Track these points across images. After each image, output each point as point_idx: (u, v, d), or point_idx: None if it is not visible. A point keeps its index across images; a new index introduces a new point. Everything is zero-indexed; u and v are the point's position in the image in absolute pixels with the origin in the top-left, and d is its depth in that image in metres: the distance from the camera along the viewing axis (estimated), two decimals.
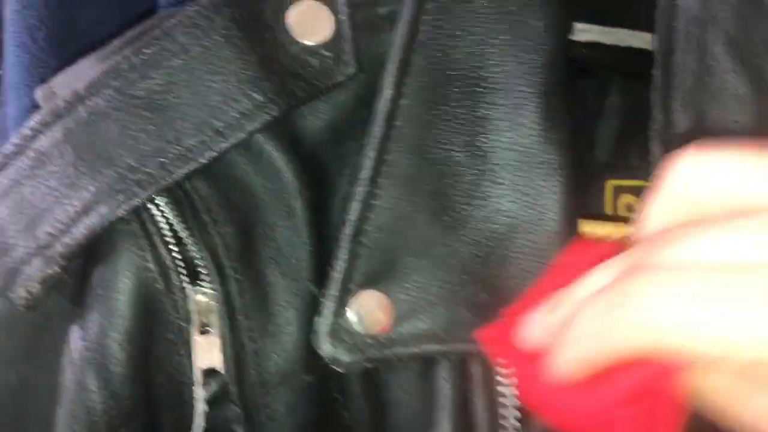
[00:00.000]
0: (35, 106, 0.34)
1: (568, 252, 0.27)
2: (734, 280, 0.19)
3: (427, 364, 0.29)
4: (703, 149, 0.22)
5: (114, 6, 0.34)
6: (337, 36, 0.29)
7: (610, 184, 0.34)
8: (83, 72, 0.29)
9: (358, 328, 0.28)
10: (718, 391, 0.23)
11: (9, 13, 0.34)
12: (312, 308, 0.29)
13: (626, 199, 0.34)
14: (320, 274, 0.30)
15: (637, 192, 0.34)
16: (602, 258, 0.24)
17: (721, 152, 0.21)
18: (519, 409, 0.29)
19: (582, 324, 0.23)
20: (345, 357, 0.28)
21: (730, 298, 0.19)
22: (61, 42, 0.33)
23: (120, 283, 0.27)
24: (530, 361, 0.25)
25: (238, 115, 0.27)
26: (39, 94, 0.30)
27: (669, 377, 0.21)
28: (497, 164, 0.29)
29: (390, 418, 0.30)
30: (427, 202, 0.29)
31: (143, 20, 0.30)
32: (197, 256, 0.28)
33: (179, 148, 0.26)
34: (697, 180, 0.22)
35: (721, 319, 0.19)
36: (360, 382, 0.30)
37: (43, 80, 0.34)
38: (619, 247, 0.24)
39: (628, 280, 0.21)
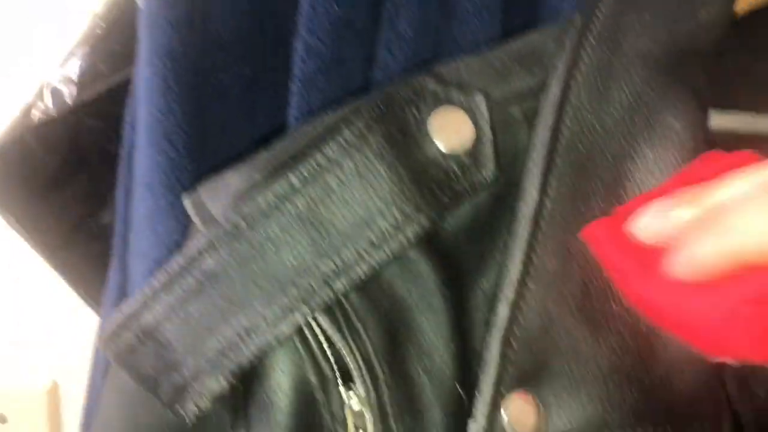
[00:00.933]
0: (172, 207, 0.36)
1: (694, 163, 0.27)
2: None
3: None
4: None
5: (243, 111, 0.35)
6: (477, 140, 0.29)
7: None
8: (231, 185, 0.30)
9: (512, 427, 0.29)
10: None
11: (145, 118, 0.36)
12: (457, 408, 0.30)
13: None
14: (464, 374, 0.30)
15: None
16: (731, 168, 0.24)
17: None
18: None
19: (733, 220, 0.23)
20: None
21: None
22: (198, 148, 0.34)
23: (283, 397, 0.28)
24: (641, 255, 0.25)
25: (391, 228, 0.28)
26: (187, 202, 0.31)
27: None
28: None
29: None
30: (574, 303, 0.29)
31: (272, 127, 0.31)
32: (351, 362, 0.28)
33: (339, 262, 0.27)
34: None
35: None
36: None
37: (179, 182, 0.35)
38: (748, 158, 0.24)
39: None
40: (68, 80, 0.46)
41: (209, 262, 0.27)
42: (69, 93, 0.46)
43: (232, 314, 0.27)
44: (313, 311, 0.27)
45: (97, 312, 0.53)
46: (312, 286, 0.27)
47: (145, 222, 0.38)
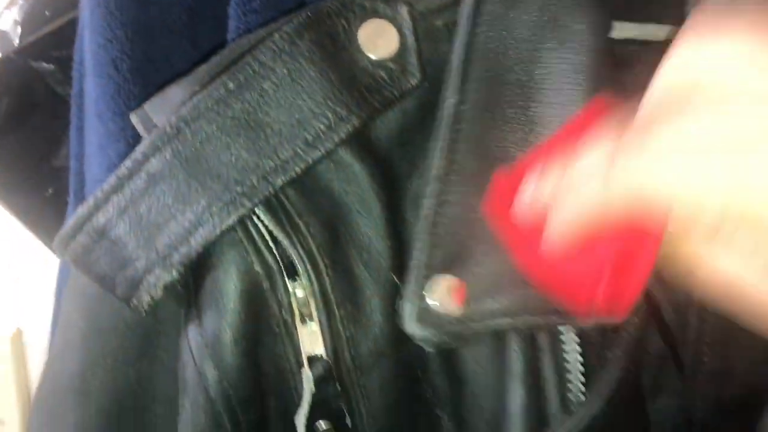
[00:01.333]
0: (122, 131, 0.38)
1: (579, 114, 0.30)
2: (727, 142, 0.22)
3: (498, 338, 0.32)
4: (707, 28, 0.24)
5: (187, 39, 0.37)
6: (402, 49, 0.32)
7: None
8: (174, 98, 0.32)
9: (437, 309, 0.31)
10: (689, 256, 0.27)
11: (90, 47, 0.37)
12: (394, 297, 0.33)
13: None
14: (398, 266, 0.33)
15: None
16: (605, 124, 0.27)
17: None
18: (583, 373, 0.32)
19: (581, 186, 0.26)
20: (428, 335, 0.31)
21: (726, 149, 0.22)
22: (142, 71, 0.36)
23: (231, 286, 0.30)
24: (526, 229, 0.29)
25: (324, 129, 0.30)
26: (134, 118, 0.33)
27: (650, 242, 0.25)
28: None
29: (466, 390, 0.33)
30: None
31: (214, 51, 0.33)
32: (294, 256, 0.31)
33: (277, 160, 0.29)
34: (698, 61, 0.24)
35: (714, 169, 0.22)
36: (439, 360, 0.33)
37: (127, 107, 0.37)
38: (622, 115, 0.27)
39: (624, 142, 0.24)
40: (14, 22, 0.47)
41: (154, 163, 0.29)
42: (15, 34, 0.47)
43: (179, 211, 0.29)
44: (255, 205, 0.29)
45: (56, 253, 0.55)
46: (253, 183, 0.29)
47: (97, 150, 0.40)
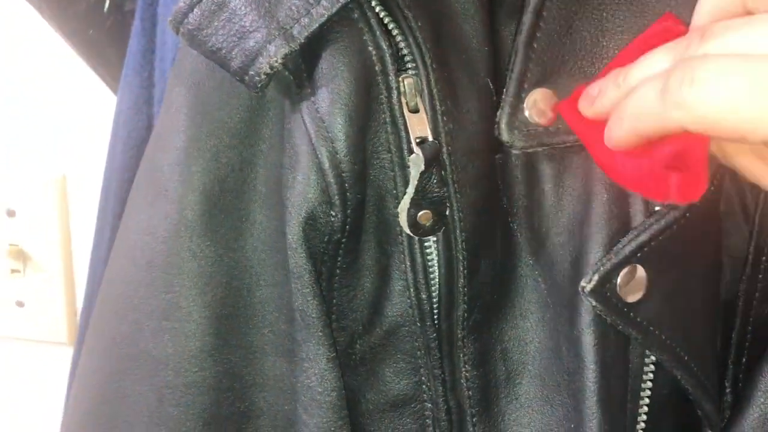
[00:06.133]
0: None
1: (651, 28, 0.32)
2: None
3: (584, 149, 0.33)
4: None
5: None
6: None
7: None
8: None
9: (531, 119, 0.33)
10: (742, 164, 0.31)
11: None
12: (488, 101, 0.34)
13: None
14: (494, 73, 0.34)
15: None
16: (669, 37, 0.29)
17: None
18: None
19: (637, 102, 0.28)
20: (520, 142, 0.33)
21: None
22: None
23: (346, 64, 0.31)
24: (593, 128, 0.31)
25: None
26: None
27: (703, 146, 0.28)
28: None
29: (546, 199, 0.34)
30: (588, 14, 0.33)
31: None
32: (403, 45, 0.32)
33: None
34: None
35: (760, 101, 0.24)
36: (521, 170, 0.34)
37: None
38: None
39: (680, 67, 0.26)
40: None
41: None
42: None
43: None
44: None
45: (113, 90, 0.55)
46: None
47: None
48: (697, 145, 0.29)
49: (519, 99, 0.33)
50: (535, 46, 0.33)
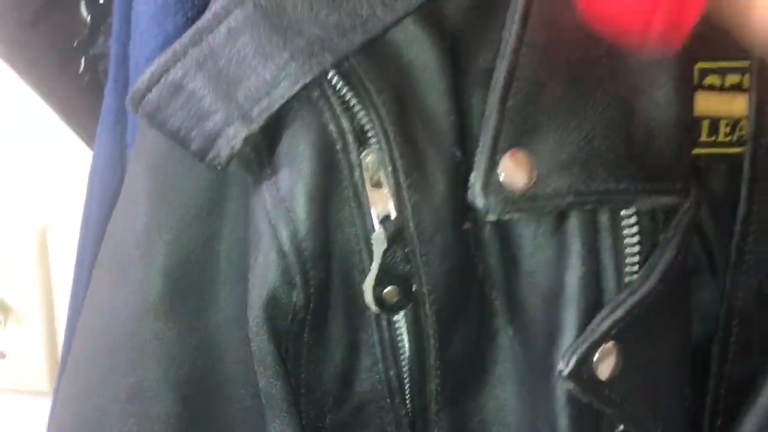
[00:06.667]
0: (181, 3, 0.37)
1: None
2: None
3: (559, 216, 0.33)
4: None
5: None
6: None
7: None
8: None
9: (506, 183, 0.32)
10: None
11: None
12: (455, 171, 0.33)
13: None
14: (460, 143, 0.33)
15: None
16: None
17: None
18: (639, 254, 0.33)
19: None
20: (496, 208, 0.32)
21: None
22: None
23: (307, 143, 0.30)
24: None
25: None
26: None
27: None
28: None
29: (520, 269, 0.34)
30: (562, 72, 0.32)
31: None
32: (365, 121, 0.31)
33: (356, 18, 0.29)
34: None
35: None
36: (493, 239, 0.34)
37: None
38: None
39: None
40: None
41: (236, 16, 0.29)
42: None
43: (260, 64, 0.29)
44: (335, 60, 0.30)
45: (89, 145, 0.55)
46: (333, 39, 0.29)
47: (152, 25, 0.39)
48: None
49: (493, 162, 0.32)
50: (509, 105, 0.32)
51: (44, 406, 0.66)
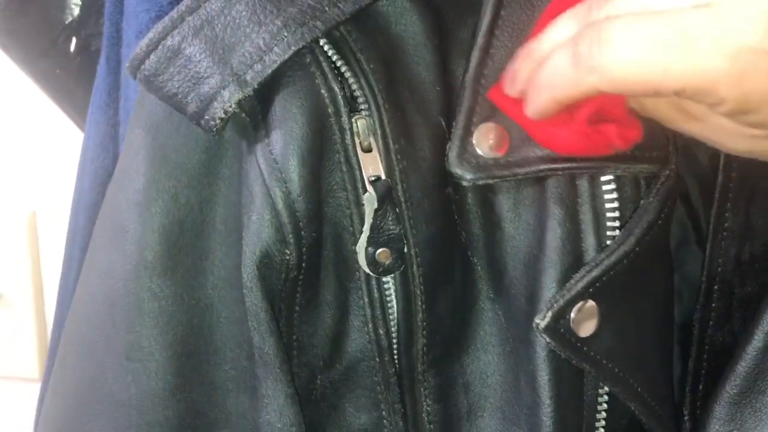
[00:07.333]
0: None
1: None
2: (678, 23, 0.26)
3: (538, 183, 0.34)
4: None
5: None
6: None
7: None
8: None
9: (480, 152, 0.33)
10: (661, 114, 0.32)
11: None
12: (441, 139, 0.34)
13: None
14: (446, 112, 0.35)
15: None
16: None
17: None
18: (618, 218, 0.34)
19: (550, 71, 0.30)
20: (470, 175, 0.33)
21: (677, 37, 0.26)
22: None
23: (299, 107, 0.31)
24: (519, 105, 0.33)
25: None
26: None
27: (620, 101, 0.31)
28: None
29: (502, 232, 0.35)
30: None
31: None
32: (356, 87, 0.32)
33: None
34: None
35: (666, 54, 0.26)
36: (476, 206, 0.35)
37: None
38: None
39: (587, 31, 0.28)
40: None
41: None
42: None
43: (254, 31, 0.30)
44: (327, 28, 0.31)
45: (80, 127, 0.55)
46: (324, 7, 0.31)
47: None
48: (615, 100, 0.31)
49: (468, 132, 0.34)
50: (483, 82, 0.34)
51: (35, 391, 0.67)
